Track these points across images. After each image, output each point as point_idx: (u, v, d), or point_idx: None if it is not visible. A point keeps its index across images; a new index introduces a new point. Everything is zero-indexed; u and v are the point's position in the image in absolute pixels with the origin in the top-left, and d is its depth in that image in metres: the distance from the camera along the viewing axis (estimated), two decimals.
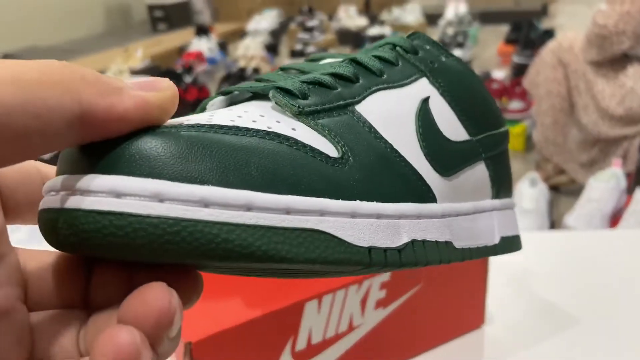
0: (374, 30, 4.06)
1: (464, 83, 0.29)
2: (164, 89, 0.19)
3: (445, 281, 0.54)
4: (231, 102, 0.27)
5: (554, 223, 1.56)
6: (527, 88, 2.00)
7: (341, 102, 0.24)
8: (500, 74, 3.00)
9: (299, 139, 0.21)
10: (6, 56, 4.68)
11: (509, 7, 5.12)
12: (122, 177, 0.17)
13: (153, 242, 0.17)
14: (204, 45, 3.91)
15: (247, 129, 0.20)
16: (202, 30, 4.20)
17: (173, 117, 0.21)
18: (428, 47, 0.29)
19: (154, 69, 3.67)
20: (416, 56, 0.28)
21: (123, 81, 0.18)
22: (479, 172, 0.29)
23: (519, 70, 3.00)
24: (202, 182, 0.18)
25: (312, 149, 0.21)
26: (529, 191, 1.48)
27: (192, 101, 2.50)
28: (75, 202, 0.17)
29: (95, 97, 0.17)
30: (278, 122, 0.22)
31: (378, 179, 0.23)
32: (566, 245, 0.73)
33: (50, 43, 5.01)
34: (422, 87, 0.27)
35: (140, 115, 0.18)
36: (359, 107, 0.25)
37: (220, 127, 0.20)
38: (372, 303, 0.51)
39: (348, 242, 0.20)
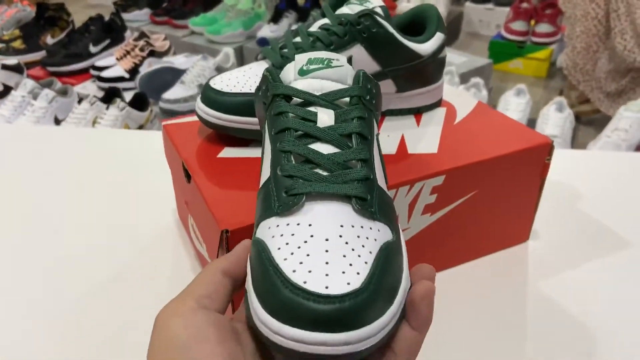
0: None
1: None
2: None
3: (499, 191, 0.50)
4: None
5: None
6: (561, 8, 1.88)
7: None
8: None
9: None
10: None
11: None
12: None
13: None
14: None
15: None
16: None
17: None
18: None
19: None
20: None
21: None
22: None
23: None
24: None
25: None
26: (556, 115, 1.43)
27: None
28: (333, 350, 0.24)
29: None
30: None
31: None
32: (614, 166, 0.69)
33: None
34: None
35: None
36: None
37: None
38: (421, 208, 0.47)
39: None
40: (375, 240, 0.28)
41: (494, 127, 0.52)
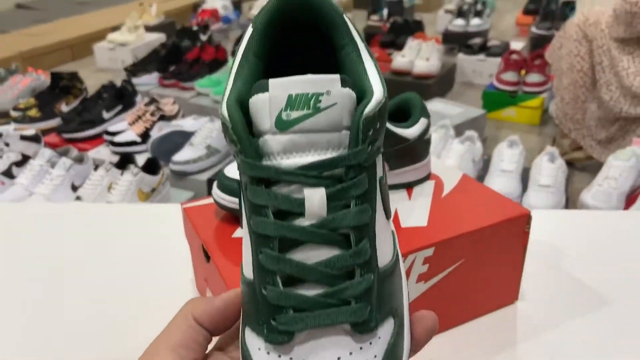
0: None
1: None
2: None
3: (485, 258, 0.55)
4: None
5: (569, 199, 1.57)
6: (548, 61, 1.98)
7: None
8: (519, 45, 2.96)
9: None
10: (19, 6, 4.61)
11: None
12: None
13: None
14: (218, 3, 3.85)
15: None
16: None
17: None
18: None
19: (169, 25, 3.62)
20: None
21: None
22: None
23: (538, 42, 2.96)
24: None
25: None
26: (548, 166, 1.49)
27: (208, 61, 2.48)
28: None
29: None
30: None
31: None
32: (599, 225, 0.75)
33: None
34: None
35: None
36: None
37: None
38: (415, 277, 0.52)
39: None
40: (375, 357, 0.26)
41: (478, 199, 0.58)
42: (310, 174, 0.26)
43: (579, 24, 1.77)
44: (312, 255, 0.26)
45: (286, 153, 0.26)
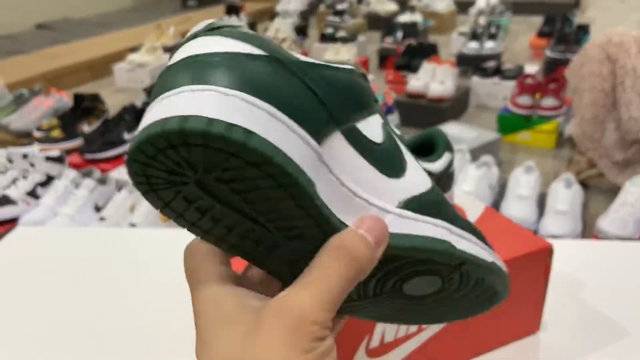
0: (405, 17, 4.03)
1: None
2: None
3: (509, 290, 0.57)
4: None
5: (585, 224, 1.58)
6: (568, 79, 1.99)
7: None
8: (533, 68, 2.98)
9: None
10: (40, 26, 4.74)
11: None
12: None
13: None
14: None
15: None
16: (233, 9, 4.21)
17: None
18: None
19: None
20: None
21: None
22: None
23: (552, 65, 2.98)
24: None
25: None
26: (565, 192, 1.50)
27: None
28: None
29: None
30: None
31: None
32: (620, 255, 0.76)
33: (82, 15, 5.06)
34: None
35: None
36: None
37: None
38: None
39: None
40: None
41: (501, 232, 0.60)
42: None
43: (600, 45, 1.78)
44: None
45: None
